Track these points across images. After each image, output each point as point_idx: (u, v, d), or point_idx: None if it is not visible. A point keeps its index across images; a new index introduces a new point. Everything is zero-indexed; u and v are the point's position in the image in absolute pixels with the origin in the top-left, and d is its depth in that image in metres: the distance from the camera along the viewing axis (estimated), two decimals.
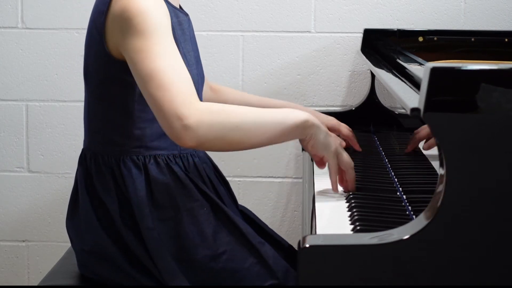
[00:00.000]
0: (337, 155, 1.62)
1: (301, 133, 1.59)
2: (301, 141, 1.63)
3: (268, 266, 1.67)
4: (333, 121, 2.05)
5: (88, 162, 1.71)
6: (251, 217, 1.87)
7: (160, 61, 1.53)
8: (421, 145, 1.95)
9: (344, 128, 2.05)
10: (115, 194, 1.66)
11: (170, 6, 1.69)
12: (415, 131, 1.94)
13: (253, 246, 1.67)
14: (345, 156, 1.63)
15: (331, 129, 2.01)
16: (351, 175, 1.63)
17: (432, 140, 1.82)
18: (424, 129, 1.89)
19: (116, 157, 1.68)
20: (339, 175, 1.65)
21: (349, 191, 1.63)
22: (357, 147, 2.05)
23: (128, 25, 1.56)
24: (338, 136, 2.02)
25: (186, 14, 1.80)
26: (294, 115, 1.58)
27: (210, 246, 1.65)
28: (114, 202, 1.66)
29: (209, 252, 1.64)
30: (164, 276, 1.62)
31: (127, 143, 1.67)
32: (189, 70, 1.66)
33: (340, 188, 1.65)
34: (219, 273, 1.64)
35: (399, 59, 1.86)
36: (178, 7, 1.79)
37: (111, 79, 1.65)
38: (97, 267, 1.70)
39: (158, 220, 1.65)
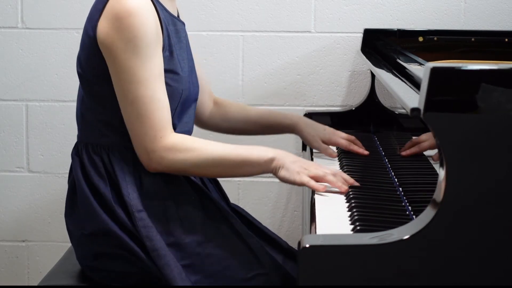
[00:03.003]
0: (308, 175, 1.67)
1: (266, 169, 1.69)
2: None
3: (255, 256, 1.70)
4: (328, 135, 2.06)
5: (80, 153, 1.75)
6: (243, 214, 1.89)
7: (143, 90, 1.63)
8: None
9: (342, 141, 2.05)
10: (108, 180, 1.71)
11: (167, 14, 1.72)
12: (417, 140, 1.92)
13: (241, 236, 1.72)
14: (316, 171, 1.68)
15: (326, 142, 2.02)
16: (331, 181, 1.66)
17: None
18: (428, 141, 1.87)
19: (106, 148, 1.72)
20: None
21: (349, 190, 1.63)
22: (361, 152, 2.03)
23: (119, 36, 1.61)
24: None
25: (183, 23, 1.81)
26: (258, 154, 1.68)
27: (198, 233, 1.69)
28: (107, 187, 1.70)
29: (196, 238, 1.69)
30: (153, 256, 1.64)
31: (116, 138, 1.72)
32: (180, 76, 1.73)
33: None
34: (206, 258, 1.68)
35: (399, 59, 1.86)
36: (176, 15, 1.80)
37: (102, 76, 1.68)
38: (97, 248, 1.72)
39: (147, 206, 1.68)
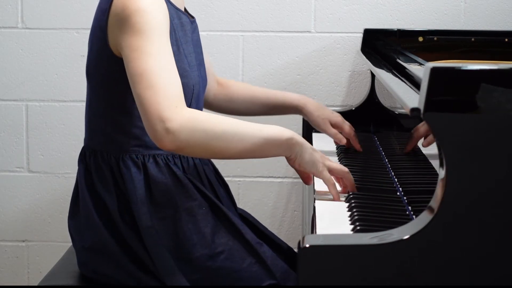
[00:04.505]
0: (327, 168, 1.62)
1: (285, 150, 1.60)
2: (287, 159, 1.63)
3: (266, 266, 1.67)
4: (338, 118, 2.07)
5: (87, 159, 1.72)
6: (249, 219, 1.88)
7: (152, 62, 1.54)
8: (420, 142, 1.95)
9: (347, 126, 2.06)
10: (114, 192, 1.67)
11: (172, 7, 1.70)
12: (413, 130, 1.94)
13: (251, 246, 1.68)
14: (335, 166, 1.63)
15: (334, 125, 2.03)
16: (348, 179, 1.64)
17: (431, 137, 1.81)
18: (422, 127, 1.88)
19: (116, 155, 1.69)
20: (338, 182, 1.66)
21: (349, 192, 1.63)
22: (357, 147, 2.06)
23: (127, 23, 1.58)
24: (340, 133, 2.07)
25: (192, 17, 1.80)
26: (279, 132, 1.58)
27: (208, 245, 1.65)
28: (113, 200, 1.67)
29: (207, 251, 1.65)
30: (162, 273, 1.62)
31: (126, 141, 1.68)
32: (189, 72, 1.69)
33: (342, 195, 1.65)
34: (216, 272, 1.65)
35: (399, 59, 1.86)
36: (183, 10, 1.79)
37: (112, 77, 1.65)
38: (96, 264, 1.70)
39: (156, 218, 1.65)
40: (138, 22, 1.57)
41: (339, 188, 1.66)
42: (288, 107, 2.09)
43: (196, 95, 1.73)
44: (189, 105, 1.70)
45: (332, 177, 1.63)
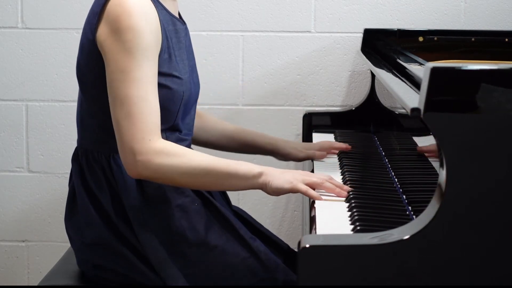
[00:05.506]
0: (303, 182, 1.62)
1: (254, 185, 1.64)
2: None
3: (260, 260, 1.69)
4: (310, 144, 2.08)
5: (80, 159, 1.74)
6: (244, 217, 1.88)
7: (135, 89, 1.59)
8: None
9: (321, 144, 2.07)
10: (108, 190, 1.69)
11: (167, 14, 1.71)
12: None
13: (245, 240, 1.70)
14: (309, 180, 1.63)
15: (310, 156, 2.04)
16: (327, 188, 1.63)
17: None
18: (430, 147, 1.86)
19: (106, 155, 1.71)
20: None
21: (347, 195, 1.62)
22: (344, 147, 2.05)
23: (117, 36, 1.60)
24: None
25: (184, 23, 1.81)
26: (247, 169, 1.63)
27: (202, 240, 1.67)
28: (107, 197, 1.69)
29: (201, 245, 1.67)
30: (156, 267, 1.64)
31: (116, 144, 1.68)
32: (182, 79, 1.70)
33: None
34: (210, 267, 1.66)
35: (399, 59, 1.86)
36: (177, 15, 1.79)
37: (101, 79, 1.66)
38: (97, 259, 1.71)
39: (149, 214, 1.67)
40: (129, 41, 1.59)
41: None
42: (257, 146, 2.09)
43: (185, 101, 1.74)
44: (177, 110, 1.71)
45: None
